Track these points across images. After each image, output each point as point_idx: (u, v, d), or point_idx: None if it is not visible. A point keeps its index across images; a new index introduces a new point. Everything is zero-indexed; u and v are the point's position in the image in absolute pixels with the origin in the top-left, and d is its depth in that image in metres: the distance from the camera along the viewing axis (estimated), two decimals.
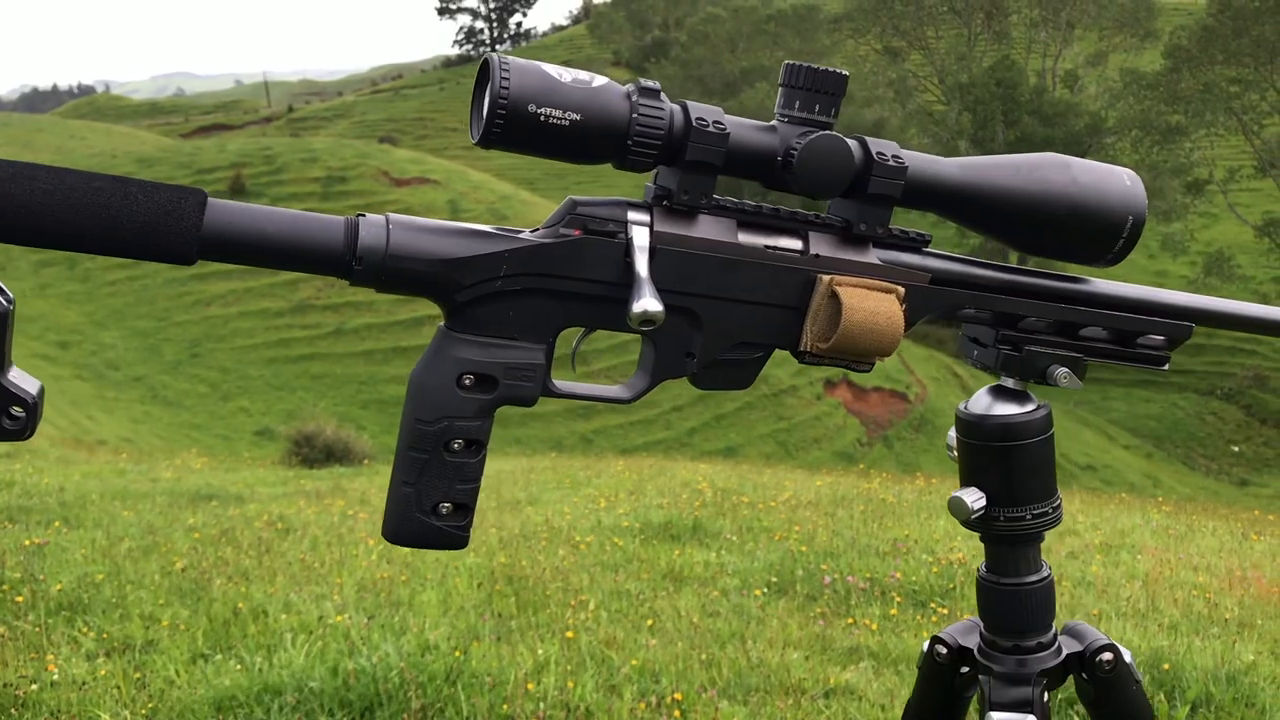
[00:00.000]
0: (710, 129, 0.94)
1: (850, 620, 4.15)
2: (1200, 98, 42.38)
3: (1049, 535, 4.53)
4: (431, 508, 0.92)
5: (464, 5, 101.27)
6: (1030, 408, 1.09)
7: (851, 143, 0.97)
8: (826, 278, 0.99)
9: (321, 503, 8.53)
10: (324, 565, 4.84)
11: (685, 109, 0.94)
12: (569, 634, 3.55)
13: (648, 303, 0.90)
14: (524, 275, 0.92)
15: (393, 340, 37.64)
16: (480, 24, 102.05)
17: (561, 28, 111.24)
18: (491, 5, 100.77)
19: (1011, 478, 1.08)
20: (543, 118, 0.87)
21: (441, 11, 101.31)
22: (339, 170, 44.67)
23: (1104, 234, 1.05)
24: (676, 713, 3.11)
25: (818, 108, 0.96)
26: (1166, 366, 1.16)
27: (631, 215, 0.95)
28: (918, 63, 56.89)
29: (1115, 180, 1.05)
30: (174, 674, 3.24)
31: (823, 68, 0.96)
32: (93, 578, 4.47)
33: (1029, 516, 1.09)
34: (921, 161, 1.01)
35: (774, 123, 1.00)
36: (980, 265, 1.08)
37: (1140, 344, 1.13)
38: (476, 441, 0.93)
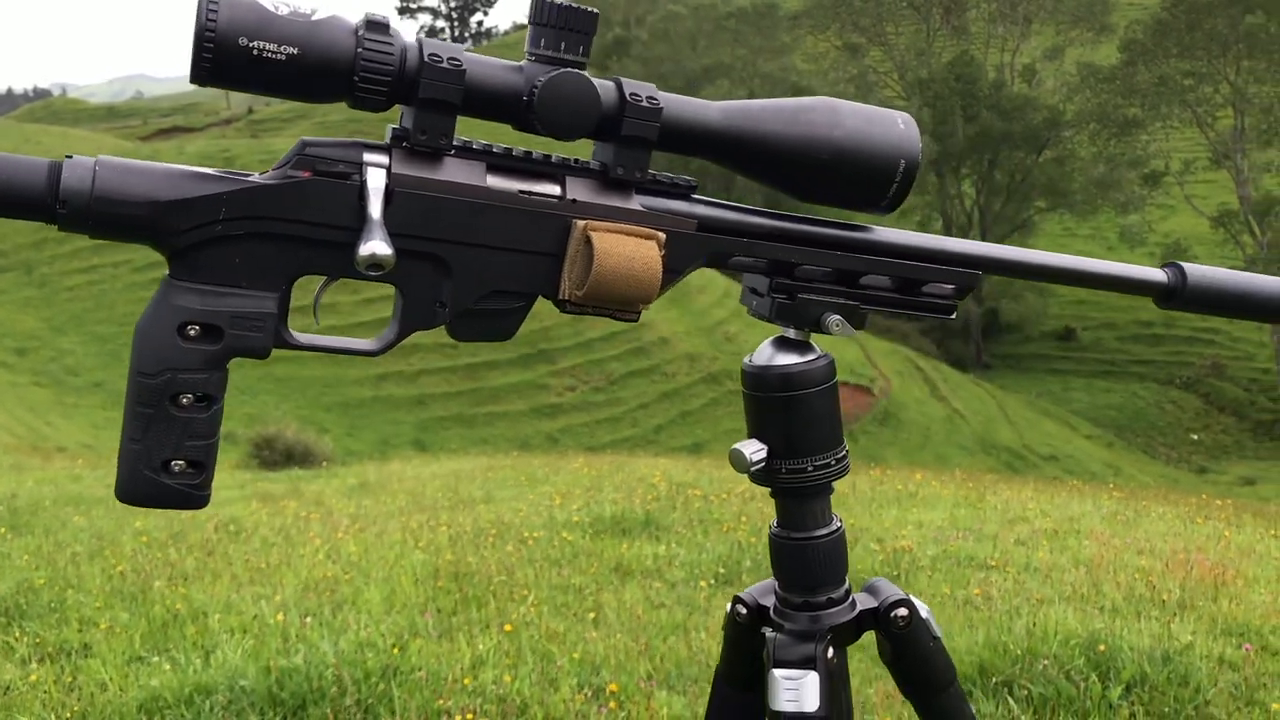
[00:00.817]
0: (444, 65, 0.91)
1: None
2: (1155, 91, 42.93)
3: (998, 522, 4.60)
4: (161, 465, 0.87)
5: (424, 5, 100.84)
6: (810, 357, 1.06)
7: (603, 83, 0.96)
8: (581, 223, 0.96)
9: (276, 504, 8.48)
10: (270, 566, 4.82)
11: (420, 45, 0.92)
12: (507, 628, 3.55)
13: (375, 246, 0.86)
14: (247, 219, 0.88)
15: None
16: (441, 23, 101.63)
17: (523, 26, 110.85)
18: (452, 4, 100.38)
19: (792, 429, 1.06)
20: (255, 52, 0.83)
21: (402, 11, 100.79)
22: None
23: (875, 179, 1.02)
24: (613, 704, 3.12)
25: (564, 45, 0.93)
26: (954, 315, 1.12)
27: (368, 157, 0.91)
28: (877, 58, 57.23)
29: (886, 124, 1.02)
30: (107, 678, 3.21)
31: (572, 4, 0.93)
32: (33, 583, 4.43)
33: (810, 468, 1.06)
34: (679, 104, 0.99)
35: (522, 62, 0.96)
36: (752, 213, 1.06)
37: (926, 292, 1.10)
38: (207, 395, 0.89)
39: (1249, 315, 1.22)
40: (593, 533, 5.69)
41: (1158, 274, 1.20)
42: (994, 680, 3.61)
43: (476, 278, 0.95)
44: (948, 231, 51.11)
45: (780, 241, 1.06)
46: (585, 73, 0.94)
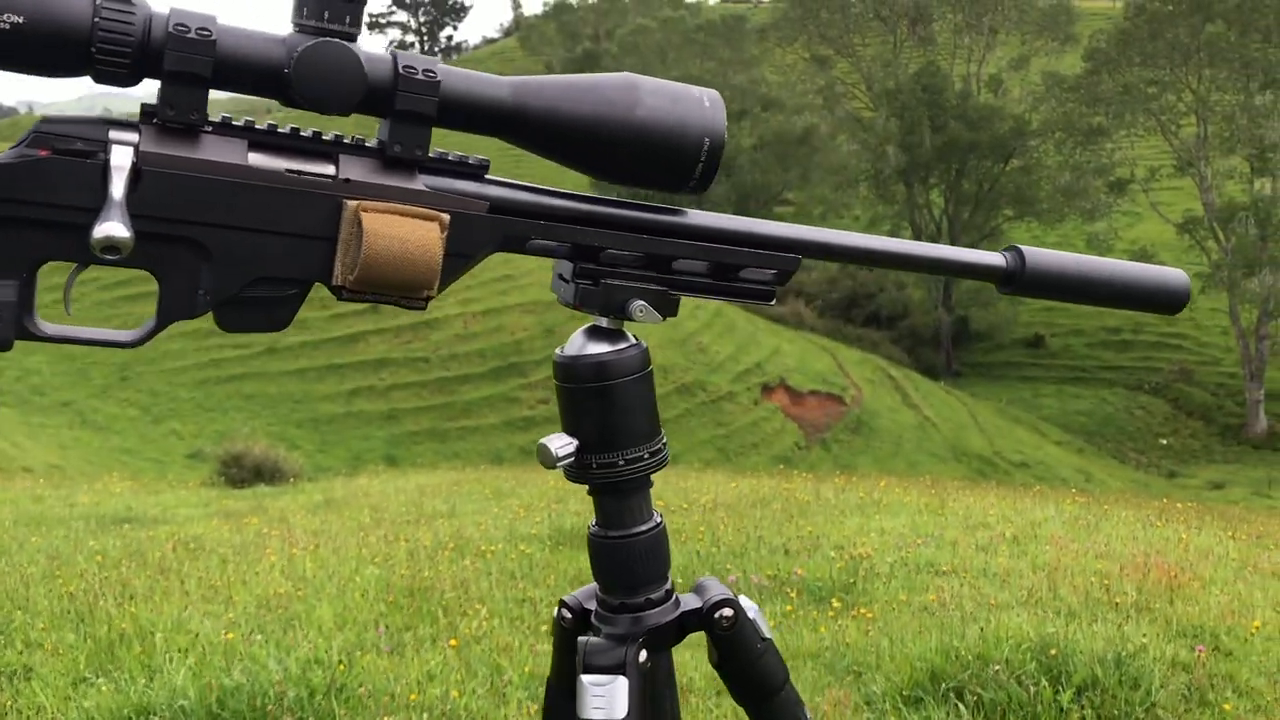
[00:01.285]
0: (192, 35, 0.85)
1: None
2: (1119, 99, 43.40)
3: (958, 529, 4.61)
4: None
5: (394, 19, 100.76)
6: (622, 346, 1.03)
7: (374, 54, 0.91)
8: (353, 204, 0.91)
9: (239, 522, 8.41)
10: (224, 584, 4.77)
11: (170, 16, 0.85)
12: (453, 642, 3.53)
13: (110, 227, 0.80)
14: None
15: (326, 357, 37.21)
16: (410, 37, 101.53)
17: (493, 40, 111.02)
18: (422, 19, 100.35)
19: (603, 421, 1.01)
20: None
21: (371, 26, 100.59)
22: None
23: (677, 159, 0.98)
24: None
25: (328, 14, 0.88)
26: (774, 301, 1.09)
27: (114, 134, 0.85)
28: (845, 70, 57.60)
29: (689, 102, 0.98)
30: (45, 700, 3.17)
31: None
32: None
33: (621, 462, 1.02)
34: (461, 78, 0.94)
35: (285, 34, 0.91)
36: (552, 194, 1.03)
37: (744, 277, 1.06)
38: None
39: (1090, 299, 1.21)
40: (552, 545, 5.67)
41: (996, 258, 1.18)
42: (945, 687, 3.62)
43: (240, 263, 0.89)
44: (916, 240, 51.42)
45: (583, 225, 1.02)
46: (353, 44, 0.89)
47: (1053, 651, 3.89)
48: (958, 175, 49.24)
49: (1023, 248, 1.16)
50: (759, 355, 40.89)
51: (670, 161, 0.98)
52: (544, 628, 3.90)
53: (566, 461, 1.02)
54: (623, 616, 1.06)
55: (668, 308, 1.05)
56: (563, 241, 1.02)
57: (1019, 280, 1.16)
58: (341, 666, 3.18)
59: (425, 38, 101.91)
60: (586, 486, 1.07)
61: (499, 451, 33.59)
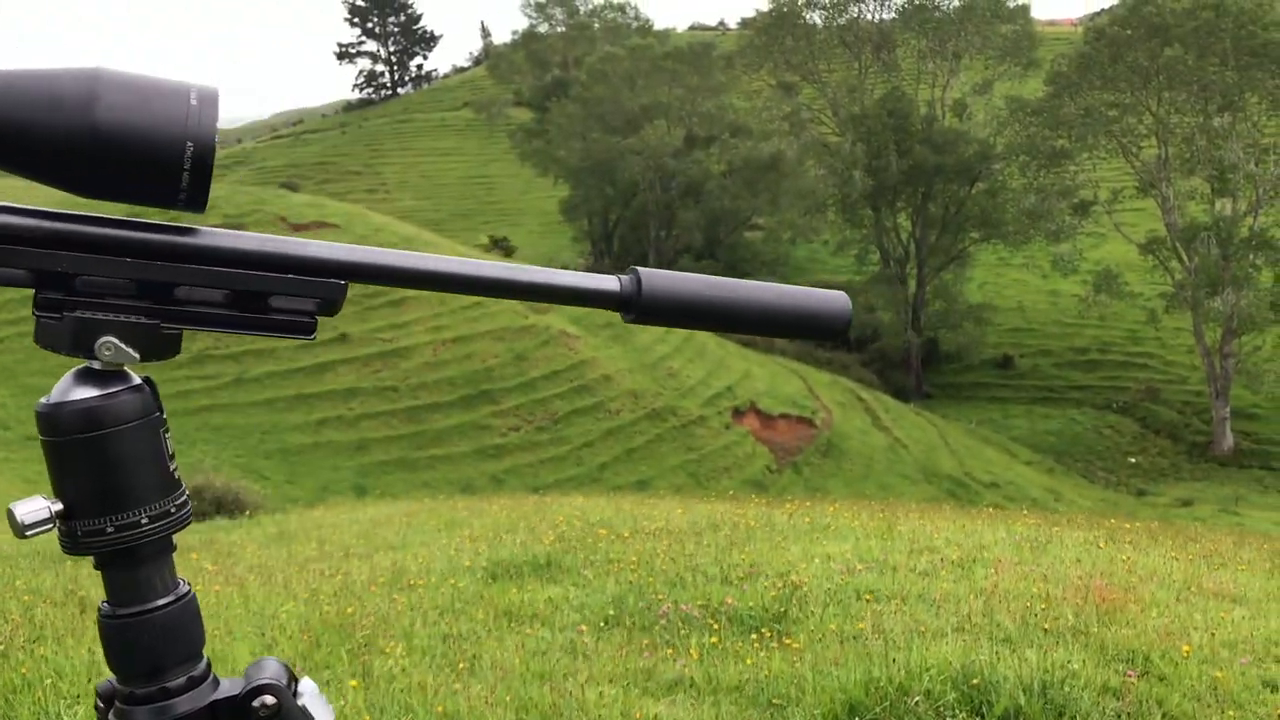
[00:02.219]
0: None
1: (670, 651, 4.14)
2: (1082, 122, 43.92)
3: (901, 554, 4.57)
4: None
5: (364, 49, 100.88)
6: (111, 390, 0.87)
7: None
8: None
9: (184, 557, 8.29)
10: None
11: None
12: (353, 683, 3.48)
13: None
14: None
15: (296, 388, 36.96)
16: (380, 67, 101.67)
17: (463, 69, 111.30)
18: (391, 48, 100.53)
19: (93, 480, 0.86)
20: None
21: (341, 56, 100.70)
22: (235, 217, 43.91)
23: (153, 168, 0.83)
24: None
25: None
26: (313, 335, 0.94)
27: None
28: (811, 96, 58.07)
29: (166, 99, 0.82)
30: None
31: None
32: None
33: (110, 529, 0.86)
34: None
35: None
36: (7, 211, 0.86)
37: (276, 307, 0.91)
38: None
39: (726, 326, 1.08)
40: (490, 578, 5.61)
41: (611, 282, 1.04)
42: None
43: None
44: (885, 264, 51.85)
45: (46, 247, 0.86)
46: None
47: (975, 680, 3.86)
48: (924, 199, 49.64)
49: (642, 270, 1.03)
50: (729, 379, 40.95)
51: (144, 171, 0.83)
52: (461, 666, 3.85)
53: (40, 530, 0.86)
54: (140, 709, 0.89)
55: (162, 345, 0.89)
56: (18, 268, 0.85)
57: (637, 306, 1.03)
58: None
59: (395, 67, 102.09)
60: (92, 559, 0.90)
61: (470, 480, 33.42)
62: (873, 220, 50.75)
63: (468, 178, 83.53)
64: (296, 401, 36.61)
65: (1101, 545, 7.79)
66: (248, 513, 14.71)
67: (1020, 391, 50.02)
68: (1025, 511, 12.46)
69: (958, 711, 3.69)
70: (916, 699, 3.66)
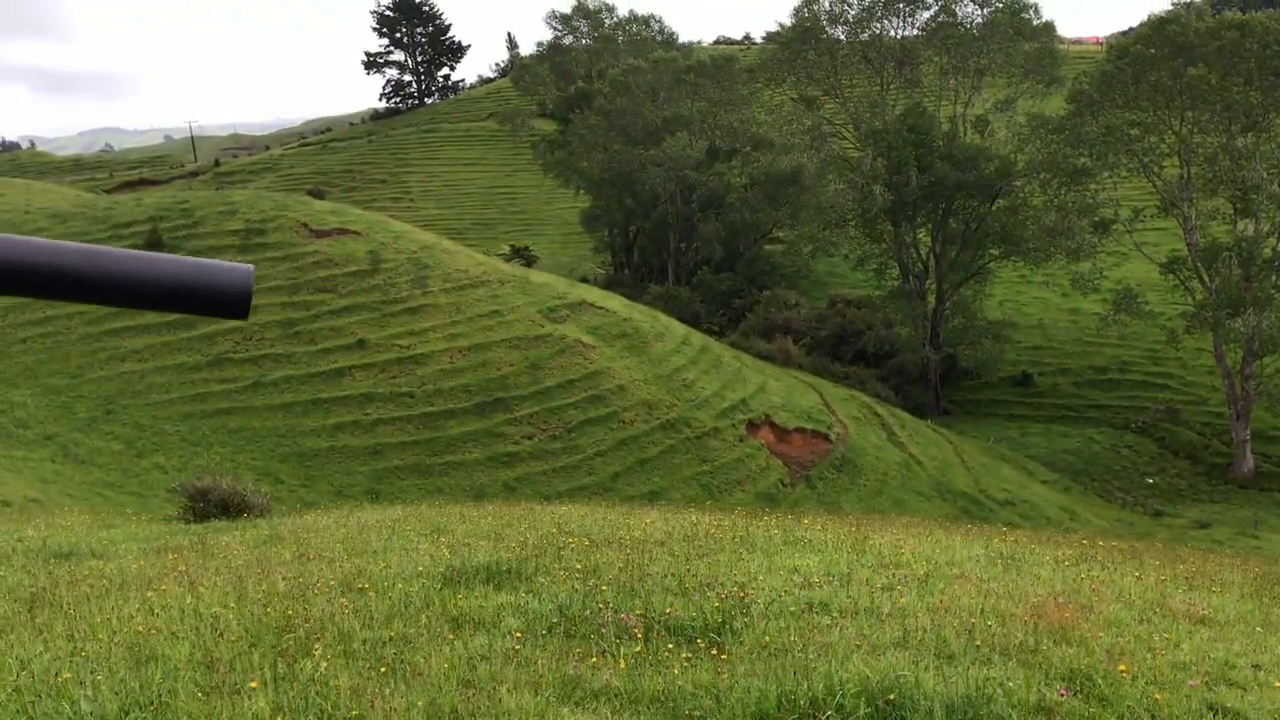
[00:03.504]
0: None
1: (598, 660, 4.20)
2: (1103, 141, 43.72)
3: (867, 568, 4.63)
4: None
5: (391, 59, 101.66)
6: None
7: None
8: None
9: (173, 556, 8.42)
10: (102, 621, 4.80)
11: None
12: (253, 684, 3.57)
13: None
14: None
15: (313, 392, 37.25)
16: (408, 77, 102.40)
17: (489, 80, 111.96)
18: (419, 58, 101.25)
19: None
20: None
21: (369, 65, 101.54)
22: (258, 222, 44.37)
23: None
24: None
25: None
26: None
27: None
28: (832, 110, 58.09)
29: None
30: None
31: None
32: None
33: None
34: None
35: None
36: None
37: None
38: None
39: (86, 296, 1.00)
40: (445, 582, 5.70)
41: None
42: None
43: None
44: (904, 279, 51.72)
45: None
46: None
47: (891, 696, 3.90)
48: (944, 214, 49.52)
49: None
50: (745, 392, 40.92)
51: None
52: (384, 669, 3.93)
53: None
54: None
55: None
56: None
57: None
58: (152, 711, 3.22)
59: (422, 77, 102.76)
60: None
61: (482, 486, 33.57)
62: (892, 235, 50.66)
63: (491, 187, 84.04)
64: (313, 406, 36.89)
65: (1070, 565, 7.78)
66: (250, 515, 14.87)
67: (1039, 409, 49.71)
68: (1004, 529, 12.44)
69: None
70: (828, 714, 3.71)
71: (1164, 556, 10.83)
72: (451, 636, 4.65)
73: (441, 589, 5.56)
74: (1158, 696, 4.90)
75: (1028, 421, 48.94)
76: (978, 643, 5.30)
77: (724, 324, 51.94)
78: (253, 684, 3.57)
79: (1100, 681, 4.98)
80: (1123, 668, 5.03)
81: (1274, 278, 42.12)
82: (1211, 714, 5.00)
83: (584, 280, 54.72)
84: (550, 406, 37.92)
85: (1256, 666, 6.02)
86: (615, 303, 43.03)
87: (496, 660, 4.27)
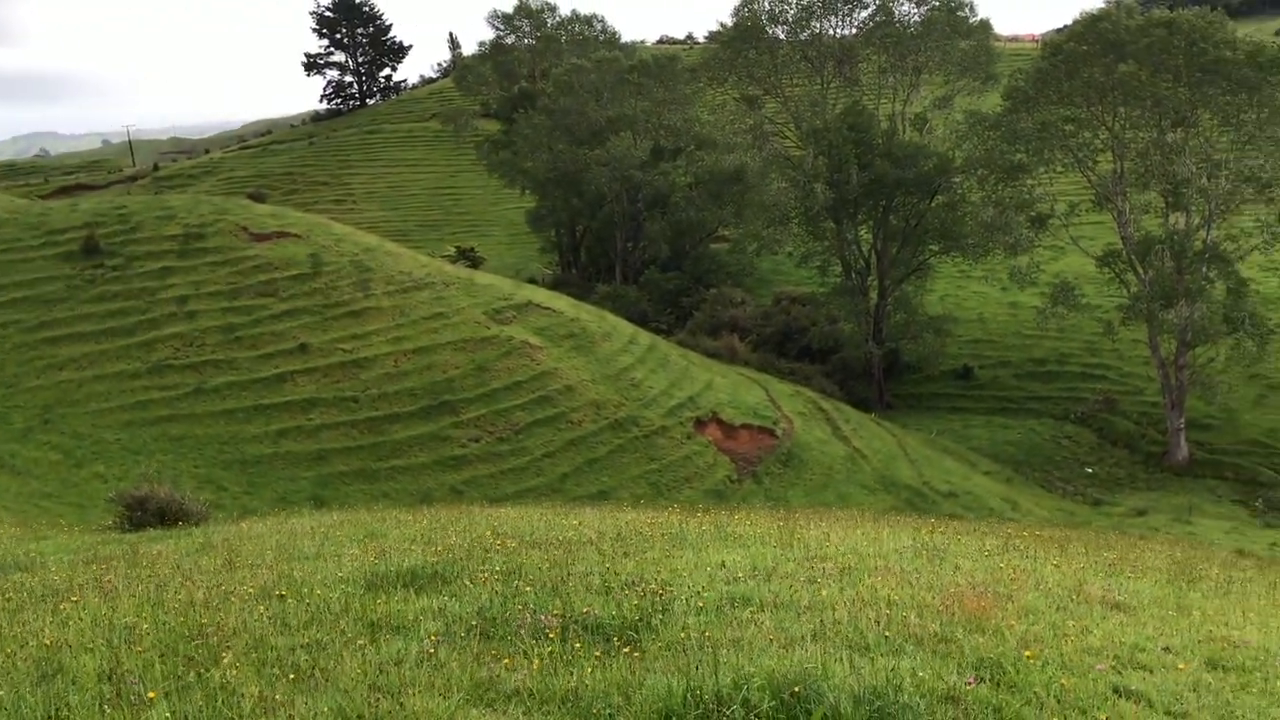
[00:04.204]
0: None
1: (510, 661, 4.25)
2: (1038, 136, 44.46)
3: (794, 562, 4.72)
4: None
5: (332, 60, 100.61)
6: None
7: None
8: None
9: (100, 567, 8.33)
10: (14, 634, 4.76)
11: None
12: (151, 694, 3.57)
13: None
14: None
15: (255, 398, 36.80)
16: (349, 78, 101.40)
17: (431, 80, 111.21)
18: (360, 59, 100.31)
19: None
20: None
21: (309, 67, 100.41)
22: (196, 227, 43.72)
23: None
24: None
25: None
26: None
27: None
28: (774, 109, 58.50)
29: None
30: None
31: None
32: None
33: None
34: None
35: None
36: None
37: None
38: None
39: None
40: (366, 588, 5.71)
41: None
42: None
43: None
44: (847, 276, 52.23)
45: None
46: None
47: (797, 689, 3.99)
48: (885, 211, 50.09)
49: None
50: (692, 389, 41.08)
51: None
52: (294, 676, 3.95)
53: None
54: None
55: None
56: None
57: None
58: None
59: (364, 78, 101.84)
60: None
61: (429, 491, 33.37)
62: (834, 232, 51.15)
63: (435, 189, 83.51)
64: (255, 412, 36.45)
65: (993, 555, 7.95)
66: (185, 523, 14.71)
67: (980, 402, 50.45)
68: (932, 521, 12.65)
69: (773, 719, 3.82)
70: (734, 708, 3.79)
71: (1090, 544, 11.08)
72: (367, 642, 4.67)
73: (363, 594, 5.57)
74: (1065, 682, 5.04)
75: (969, 414, 49.64)
76: (893, 633, 5.42)
77: (671, 322, 52.12)
78: (151, 694, 3.57)
79: (1010, 669, 5.11)
80: (1029, 654, 5.17)
81: (1205, 269, 43.10)
82: (1117, 697, 5.15)
83: (531, 281, 54.59)
84: (497, 409, 37.80)
85: (1166, 649, 6.20)
86: (562, 303, 42.99)
87: (410, 664, 4.31)
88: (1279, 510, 39.76)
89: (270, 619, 4.88)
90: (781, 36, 56.25)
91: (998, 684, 4.99)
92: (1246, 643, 6.52)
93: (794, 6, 55.13)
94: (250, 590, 5.71)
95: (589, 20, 76.03)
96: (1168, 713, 5.07)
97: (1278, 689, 5.58)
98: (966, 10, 53.64)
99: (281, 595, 5.43)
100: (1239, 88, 41.44)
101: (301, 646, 4.44)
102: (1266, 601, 8.63)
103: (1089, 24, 44.31)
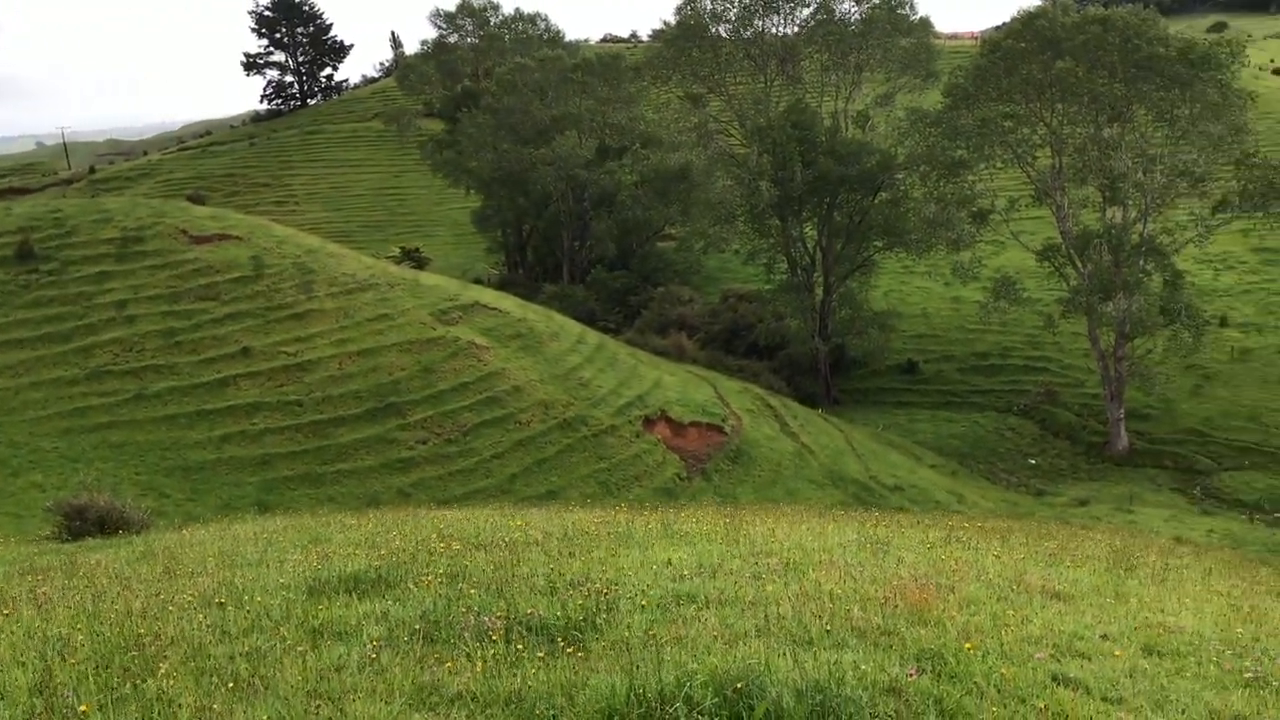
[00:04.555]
0: None
1: (452, 664, 4.23)
2: (978, 132, 45.05)
3: (740, 558, 4.71)
4: None
5: (272, 60, 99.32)
6: None
7: None
8: None
9: (37, 578, 8.15)
10: None
11: None
12: (83, 707, 3.51)
13: None
14: None
15: (197, 403, 36.24)
16: (289, 78, 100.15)
17: (374, 79, 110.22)
18: (300, 59, 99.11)
19: None
20: None
21: (248, 67, 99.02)
22: (134, 230, 42.96)
23: None
24: None
25: None
26: None
27: None
28: (718, 108, 58.74)
29: None
30: None
31: None
32: None
33: None
34: None
35: None
36: None
37: None
38: None
39: None
40: (308, 594, 5.65)
41: None
42: None
43: None
44: (793, 272, 52.57)
45: None
46: None
47: (739, 685, 4.01)
48: (829, 208, 50.47)
49: None
50: (641, 388, 41.11)
51: None
52: (233, 685, 3.89)
53: None
54: None
55: None
56: None
57: None
58: None
59: (305, 78, 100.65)
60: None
61: (376, 494, 33.07)
62: (780, 230, 51.45)
63: (379, 189, 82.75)
64: (198, 417, 35.90)
65: (937, 547, 8.04)
66: (124, 531, 14.46)
67: (925, 396, 51.05)
68: (875, 514, 12.78)
69: (716, 716, 3.83)
70: (677, 705, 3.80)
71: (1032, 534, 11.26)
72: (309, 648, 4.62)
73: (305, 600, 5.51)
74: (1005, 671, 5.12)
75: (915, 408, 50.21)
76: (835, 627, 5.46)
77: (619, 321, 52.14)
78: (84, 708, 3.51)
79: (951, 660, 5.18)
80: (970, 645, 5.24)
81: (1141, 262, 43.95)
82: (1055, 684, 5.23)
83: (477, 281, 54.30)
84: (445, 410, 37.56)
85: (1104, 636, 6.32)
86: (509, 303, 42.80)
87: (351, 670, 4.27)
88: (1216, 498, 40.69)
89: (210, 627, 4.81)
90: (724, 35, 56.47)
91: (939, 675, 5.05)
92: (1181, 628, 6.66)
93: (736, 5, 55.42)
94: (190, 598, 5.63)
95: (532, 19, 75.81)
96: (1105, 699, 5.16)
97: (1211, 673, 5.71)
98: (907, 8, 54.24)
99: (221, 603, 5.36)
100: (1172, 84, 42.31)
101: (241, 654, 4.38)
102: (1201, 588, 8.82)
103: (1026, 21, 45.00)
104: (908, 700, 4.52)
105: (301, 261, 42.07)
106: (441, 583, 5.91)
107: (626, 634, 4.86)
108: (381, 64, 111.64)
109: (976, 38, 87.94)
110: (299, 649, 4.57)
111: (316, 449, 35.18)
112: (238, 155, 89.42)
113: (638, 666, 4.21)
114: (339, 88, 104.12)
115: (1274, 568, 13.79)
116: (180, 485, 33.57)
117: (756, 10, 55.34)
